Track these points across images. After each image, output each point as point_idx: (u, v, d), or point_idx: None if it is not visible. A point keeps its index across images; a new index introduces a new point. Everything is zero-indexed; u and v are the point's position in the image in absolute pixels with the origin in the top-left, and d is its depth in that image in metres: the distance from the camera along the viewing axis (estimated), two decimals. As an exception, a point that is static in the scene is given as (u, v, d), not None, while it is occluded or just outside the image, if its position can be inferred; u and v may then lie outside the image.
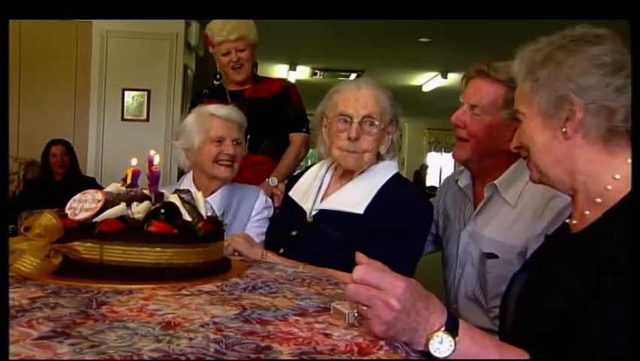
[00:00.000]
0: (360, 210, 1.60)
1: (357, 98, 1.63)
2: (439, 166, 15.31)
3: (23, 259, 1.08)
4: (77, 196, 1.20)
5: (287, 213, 1.81)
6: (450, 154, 15.08)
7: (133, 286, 1.07)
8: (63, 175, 4.08)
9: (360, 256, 0.90)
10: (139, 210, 1.16)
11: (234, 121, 1.95)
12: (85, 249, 1.12)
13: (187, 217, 1.22)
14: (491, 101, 1.60)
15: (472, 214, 1.71)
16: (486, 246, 1.63)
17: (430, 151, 15.18)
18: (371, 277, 0.86)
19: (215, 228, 1.24)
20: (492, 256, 1.60)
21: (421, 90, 9.68)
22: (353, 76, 8.89)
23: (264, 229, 1.91)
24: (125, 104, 4.88)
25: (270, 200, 2.01)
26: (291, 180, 1.89)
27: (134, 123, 4.89)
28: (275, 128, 2.59)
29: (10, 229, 3.60)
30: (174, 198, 1.25)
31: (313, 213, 1.69)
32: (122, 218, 1.15)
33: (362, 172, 1.68)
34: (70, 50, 4.87)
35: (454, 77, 8.38)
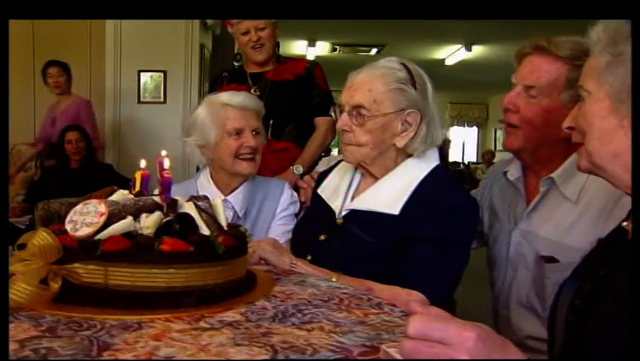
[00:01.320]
0: (396, 211, 1.41)
1: (350, 85, 1.45)
2: (462, 140, 14.98)
3: (16, 286, 0.92)
4: (78, 207, 1.04)
5: (315, 213, 1.63)
6: (473, 128, 14.81)
7: (143, 317, 0.91)
8: (80, 162, 3.96)
9: (413, 305, 0.71)
10: (148, 224, 0.99)
11: (251, 109, 1.75)
12: (87, 272, 0.95)
13: (204, 230, 1.05)
14: (551, 82, 1.40)
15: (524, 211, 1.52)
16: (543, 248, 1.44)
17: (453, 125, 14.84)
18: (433, 330, 0.67)
19: (237, 241, 1.07)
20: (551, 259, 1.41)
21: (443, 64, 9.38)
22: (374, 51, 8.63)
23: (291, 226, 1.74)
24: (141, 86, 4.72)
25: (295, 194, 1.84)
26: (321, 175, 1.70)
27: (150, 105, 4.75)
28: (299, 112, 2.40)
29: (27, 219, 3.49)
30: (189, 208, 1.08)
31: (343, 213, 1.50)
32: (129, 234, 0.98)
33: (392, 169, 1.48)
34: (83, 31, 4.71)
35: (478, 50, 8.07)
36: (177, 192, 1.77)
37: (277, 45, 2.50)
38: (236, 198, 1.74)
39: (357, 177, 1.57)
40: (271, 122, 2.34)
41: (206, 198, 1.14)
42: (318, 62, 2.59)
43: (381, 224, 1.41)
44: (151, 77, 4.74)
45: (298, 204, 1.82)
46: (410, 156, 1.48)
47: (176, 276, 0.97)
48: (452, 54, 8.86)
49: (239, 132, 1.71)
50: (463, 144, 14.94)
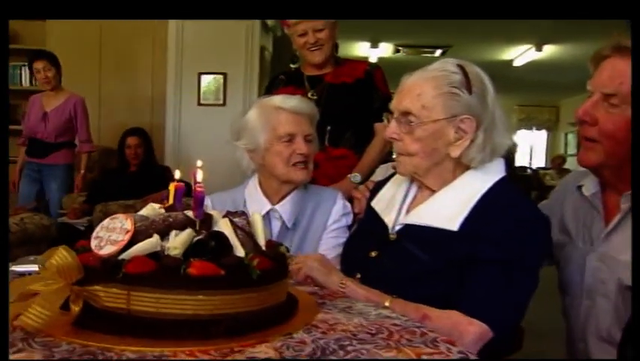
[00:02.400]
0: (455, 227, 1.26)
1: (401, 89, 1.35)
2: (530, 145, 14.36)
3: (31, 309, 0.85)
4: (105, 222, 0.96)
5: (367, 227, 1.50)
6: (542, 131, 14.16)
7: (165, 349, 0.81)
8: (138, 166, 3.99)
9: None
10: (176, 244, 0.90)
11: (304, 113, 1.64)
12: (108, 295, 0.87)
13: (239, 251, 0.94)
14: None
15: (602, 232, 1.34)
16: (627, 275, 1.25)
17: (520, 129, 14.24)
18: None
19: (275, 264, 0.96)
20: (637, 289, 1.22)
21: (511, 65, 8.98)
22: (438, 52, 8.37)
23: (342, 240, 1.62)
24: (202, 89, 4.73)
25: (348, 205, 1.71)
26: (376, 186, 1.57)
27: (210, 108, 4.73)
28: (358, 117, 2.27)
29: (86, 221, 3.54)
30: (224, 225, 0.98)
31: (397, 228, 1.37)
32: (154, 255, 0.89)
33: (451, 182, 1.34)
34: (146, 35, 4.78)
35: (550, 50, 7.65)
36: (223, 201, 1.71)
37: (336, 46, 2.38)
38: (285, 207, 1.64)
39: (414, 189, 1.43)
40: (329, 127, 2.23)
41: (243, 213, 1.04)
42: (379, 65, 2.46)
43: (438, 241, 1.27)
44: (214, 79, 4.73)
45: (351, 216, 1.70)
46: (470, 168, 1.33)
47: (204, 303, 0.87)
48: (521, 54, 8.46)
49: (290, 138, 1.61)
50: (531, 148, 14.31)
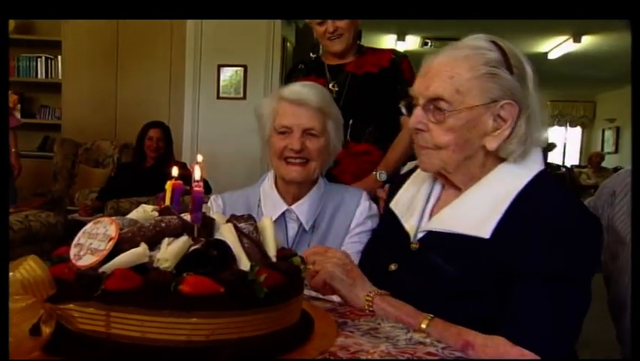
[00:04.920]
0: (486, 234, 1.06)
1: (426, 72, 1.14)
2: (563, 142, 13.92)
3: (-7, 331, 0.70)
4: (88, 227, 0.81)
5: (385, 234, 1.31)
6: (576, 128, 13.71)
7: (150, 386, 0.66)
8: (154, 160, 3.87)
9: None
10: (167, 255, 0.74)
11: (309, 105, 1.45)
12: (83, 316, 0.72)
13: (244, 263, 0.78)
14: None
15: None
16: None
17: (553, 125, 13.81)
18: None
19: (287, 278, 0.80)
20: None
21: (546, 58, 8.63)
22: (469, 45, 8.09)
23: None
24: (221, 82, 4.59)
25: (374, 206, 1.54)
26: (395, 183, 1.39)
27: (230, 102, 4.60)
28: (383, 110, 2.10)
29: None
30: (227, 232, 0.82)
31: (419, 235, 1.18)
32: (141, 268, 0.74)
33: (479, 178, 1.14)
34: (164, 26, 4.65)
35: (589, 41, 7.29)
36: (236, 200, 1.56)
37: (359, 34, 2.21)
38: (302, 207, 1.48)
39: (438, 188, 1.24)
40: (351, 121, 2.06)
41: (250, 218, 0.88)
42: (405, 54, 2.28)
43: (467, 251, 1.08)
44: (234, 71, 4.58)
45: (377, 219, 1.52)
46: (503, 160, 1.14)
47: (199, 327, 0.71)
48: (557, 46, 8.10)
49: (286, 131, 1.46)
50: (565, 145, 13.88)
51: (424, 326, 0.98)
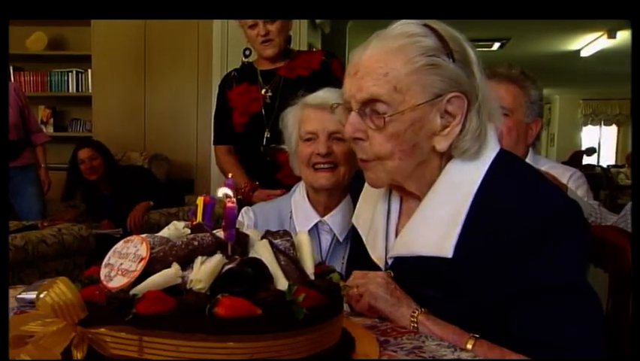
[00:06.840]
0: (448, 253, 0.94)
1: (355, 71, 0.98)
2: (597, 141, 13.57)
3: (22, 355, 0.68)
4: (119, 246, 0.78)
5: (360, 252, 1.15)
6: (611, 127, 13.35)
7: (185, 416, 0.62)
8: (101, 181, 3.65)
9: None
10: (200, 275, 0.71)
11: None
12: (115, 341, 0.69)
13: (281, 283, 0.74)
14: None
15: None
16: None
17: (586, 125, 13.48)
18: None
19: (327, 298, 0.75)
20: None
21: (578, 55, 8.40)
22: (496, 45, 7.95)
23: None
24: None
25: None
26: (352, 190, 1.29)
27: (255, 106, 4.57)
28: None
29: (121, 230, 3.38)
30: (263, 249, 0.78)
31: (390, 262, 1.06)
32: (173, 290, 0.70)
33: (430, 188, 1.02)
34: (192, 35, 4.66)
35: (625, 36, 7.07)
36: (268, 212, 1.52)
37: (289, 39, 2.24)
38: (335, 218, 1.44)
39: (396, 200, 1.11)
40: None
41: (287, 233, 0.84)
42: (335, 54, 2.31)
43: (438, 273, 0.97)
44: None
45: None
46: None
47: (236, 351, 0.67)
48: (590, 43, 7.87)
49: (312, 137, 1.43)
50: (599, 144, 13.52)
51: (469, 346, 0.91)
